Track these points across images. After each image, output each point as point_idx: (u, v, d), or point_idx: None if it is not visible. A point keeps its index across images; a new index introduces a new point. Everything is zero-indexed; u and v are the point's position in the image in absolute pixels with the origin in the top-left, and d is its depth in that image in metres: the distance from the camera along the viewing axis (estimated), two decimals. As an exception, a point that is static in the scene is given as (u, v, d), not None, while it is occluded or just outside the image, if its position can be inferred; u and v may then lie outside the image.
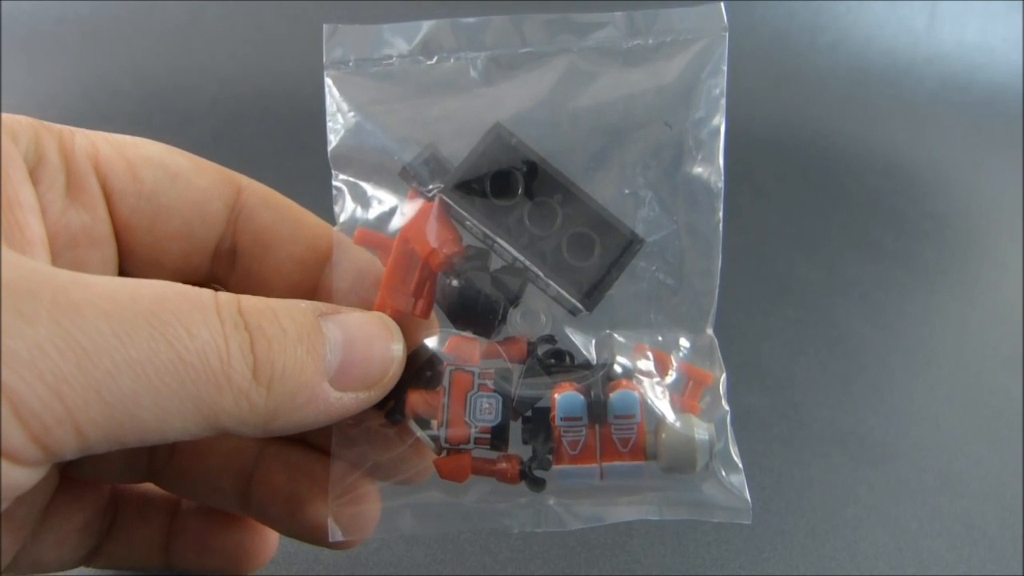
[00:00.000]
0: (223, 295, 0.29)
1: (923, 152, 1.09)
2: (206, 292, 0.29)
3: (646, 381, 0.35)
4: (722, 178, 0.36)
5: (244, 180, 0.38)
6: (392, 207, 0.36)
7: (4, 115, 0.33)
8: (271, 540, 0.44)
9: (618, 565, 0.50)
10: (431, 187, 0.35)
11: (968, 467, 0.61)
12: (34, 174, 0.33)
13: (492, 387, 0.35)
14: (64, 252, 0.35)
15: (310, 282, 0.38)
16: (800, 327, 0.75)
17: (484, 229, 0.35)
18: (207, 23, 1.05)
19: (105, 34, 1.04)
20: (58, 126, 0.35)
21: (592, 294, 0.35)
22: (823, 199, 0.98)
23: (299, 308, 0.31)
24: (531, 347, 0.36)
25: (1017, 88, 1.19)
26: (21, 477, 0.26)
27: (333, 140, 0.36)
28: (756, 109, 1.03)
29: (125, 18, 1.05)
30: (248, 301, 0.30)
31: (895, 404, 0.67)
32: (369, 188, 0.37)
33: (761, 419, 0.64)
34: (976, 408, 0.68)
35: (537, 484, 0.35)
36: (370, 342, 0.33)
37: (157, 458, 0.40)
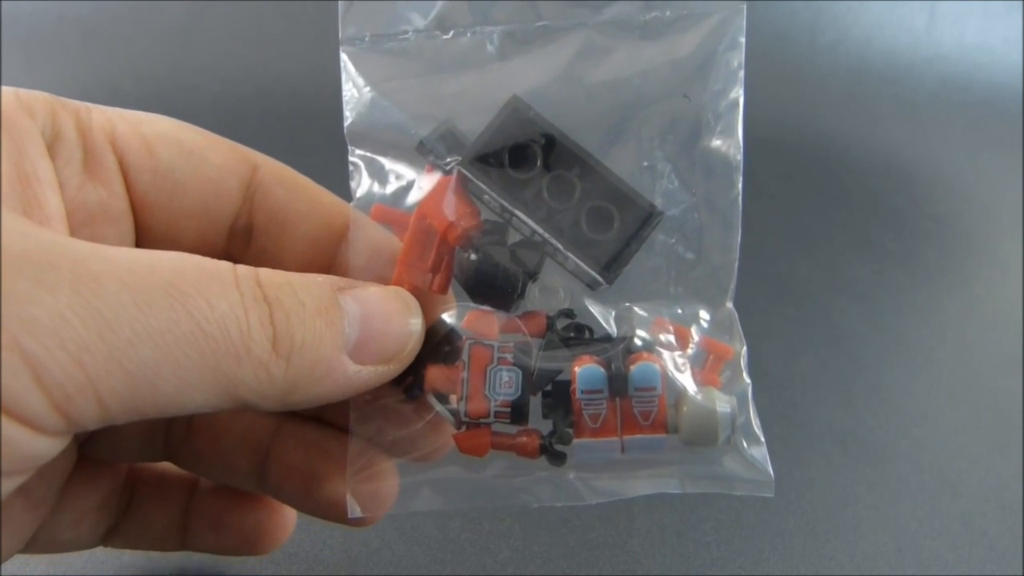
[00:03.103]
0: (242, 267, 0.29)
1: (923, 152, 1.10)
2: (224, 264, 0.29)
3: (666, 354, 0.35)
4: (740, 151, 0.36)
5: (260, 158, 0.38)
6: (409, 182, 0.36)
7: (21, 91, 0.33)
8: (288, 520, 0.43)
9: (618, 565, 0.50)
10: (448, 161, 0.35)
11: (968, 467, 0.61)
12: (51, 149, 0.33)
13: (511, 361, 0.35)
14: (81, 228, 0.34)
15: (326, 260, 0.38)
16: (800, 327, 0.75)
17: (502, 202, 0.35)
18: (207, 23, 1.05)
19: (105, 34, 1.03)
20: (74, 102, 0.35)
21: (611, 267, 0.35)
22: (823, 199, 0.98)
23: (317, 282, 0.31)
24: (550, 321, 0.36)
25: (1017, 88, 1.19)
26: (43, 447, 0.26)
27: (349, 116, 0.36)
28: (756, 109, 1.02)
29: (125, 18, 1.05)
30: (266, 274, 0.30)
31: (895, 404, 0.67)
32: (386, 163, 0.37)
33: (761, 419, 0.63)
34: (976, 408, 0.68)
35: (557, 458, 0.35)
36: (388, 316, 0.33)
37: (174, 436, 0.40)
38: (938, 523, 0.56)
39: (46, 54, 1.02)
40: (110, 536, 0.42)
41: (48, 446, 0.26)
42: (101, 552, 0.47)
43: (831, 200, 0.98)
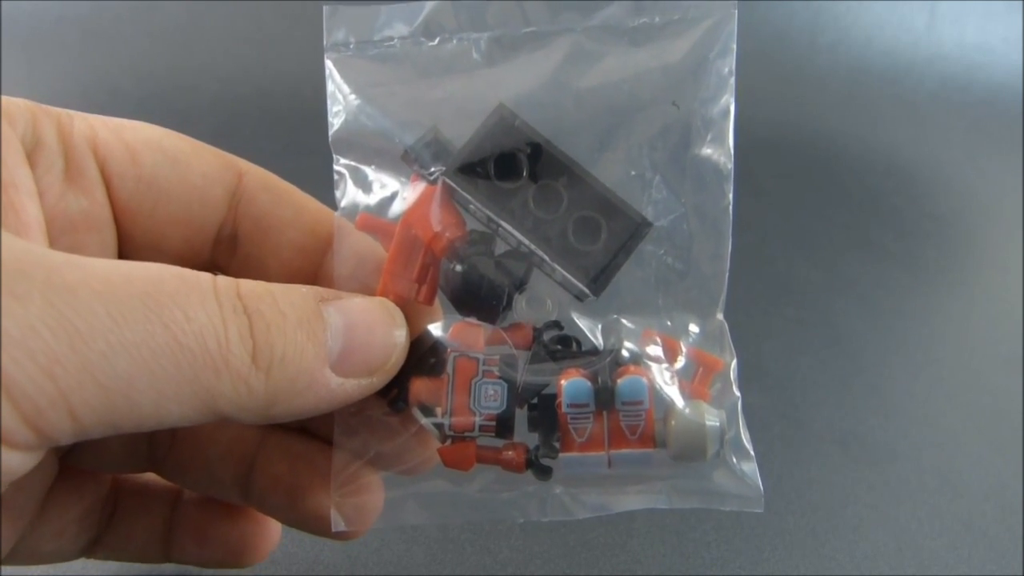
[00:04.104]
0: (222, 278, 0.29)
1: (923, 152, 1.09)
2: (204, 275, 0.29)
3: (655, 367, 0.35)
4: (731, 159, 0.35)
5: (245, 165, 0.38)
6: (394, 191, 0.36)
7: (1, 98, 0.32)
8: (273, 532, 0.43)
9: (618, 565, 0.50)
10: (433, 170, 0.35)
11: (968, 467, 0.61)
12: (31, 157, 0.33)
13: (497, 374, 0.34)
14: (62, 236, 0.34)
15: (311, 268, 0.38)
16: (800, 327, 0.75)
17: (488, 212, 0.34)
18: (207, 23, 1.05)
19: (105, 34, 1.04)
20: (56, 109, 0.34)
21: (599, 279, 0.34)
22: (823, 199, 0.98)
23: (299, 292, 0.31)
24: (537, 333, 0.35)
25: (1017, 88, 1.19)
26: (15, 461, 0.26)
27: (334, 124, 0.36)
28: (756, 109, 1.03)
29: (125, 18, 1.05)
30: (247, 285, 0.29)
31: (895, 404, 0.67)
32: (371, 172, 0.36)
33: (761, 419, 0.63)
34: (976, 408, 0.68)
35: (544, 473, 0.34)
36: (372, 328, 0.32)
37: (158, 447, 0.40)
38: (938, 523, 0.56)
39: (46, 54, 1.02)
40: (93, 548, 0.41)
41: (21, 460, 0.26)
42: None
43: (831, 200, 0.98)
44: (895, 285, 0.84)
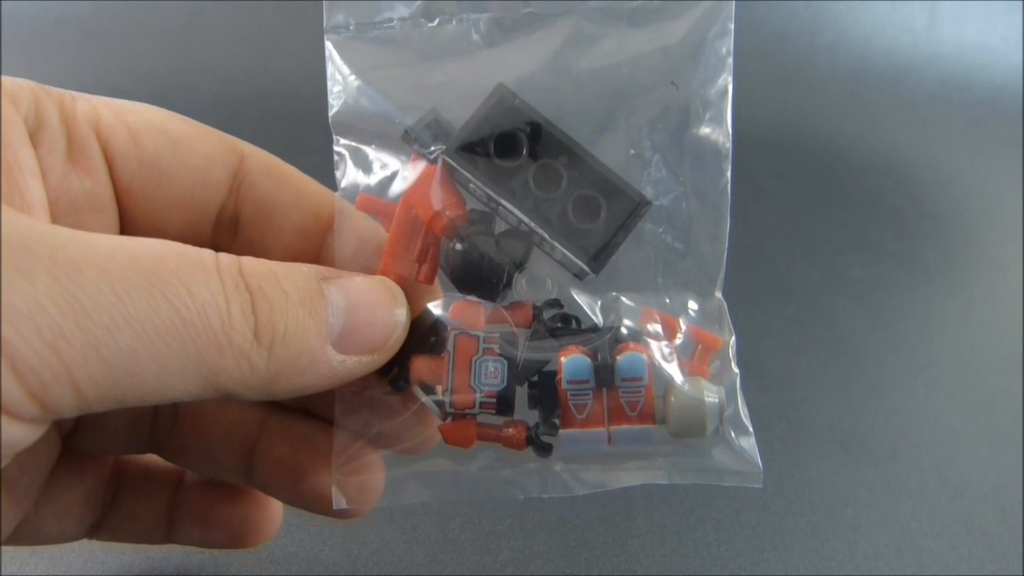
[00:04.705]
0: (224, 256, 0.29)
1: (923, 152, 1.09)
2: (207, 252, 0.29)
3: (654, 344, 0.35)
4: (730, 139, 0.35)
5: (247, 147, 0.38)
6: (394, 171, 0.36)
7: (4, 78, 0.33)
8: (275, 514, 0.43)
9: (618, 565, 0.50)
10: (433, 150, 0.35)
11: (968, 467, 0.61)
12: (34, 138, 0.33)
13: (497, 352, 0.34)
14: (65, 217, 0.34)
15: (313, 251, 0.38)
16: (800, 327, 0.75)
17: (488, 192, 0.34)
18: (207, 23, 1.05)
19: (105, 34, 1.04)
20: (58, 90, 0.35)
21: (599, 257, 0.34)
22: (823, 199, 0.97)
23: (301, 271, 0.31)
24: (537, 311, 0.35)
25: (1017, 88, 1.18)
26: (19, 434, 0.26)
27: (334, 105, 0.36)
28: (756, 109, 1.03)
29: (125, 18, 1.05)
30: (249, 263, 0.30)
31: (895, 404, 0.67)
32: (371, 152, 0.36)
33: (761, 419, 0.63)
34: (976, 408, 0.68)
35: (544, 450, 0.35)
36: (373, 307, 0.33)
37: (160, 428, 0.40)
38: (938, 523, 0.56)
39: (46, 54, 1.02)
40: (95, 530, 0.41)
41: (24, 433, 0.26)
42: (101, 552, 0.47)
43: (831, 200, 0.98)
44: (895, 285, 0.84)
